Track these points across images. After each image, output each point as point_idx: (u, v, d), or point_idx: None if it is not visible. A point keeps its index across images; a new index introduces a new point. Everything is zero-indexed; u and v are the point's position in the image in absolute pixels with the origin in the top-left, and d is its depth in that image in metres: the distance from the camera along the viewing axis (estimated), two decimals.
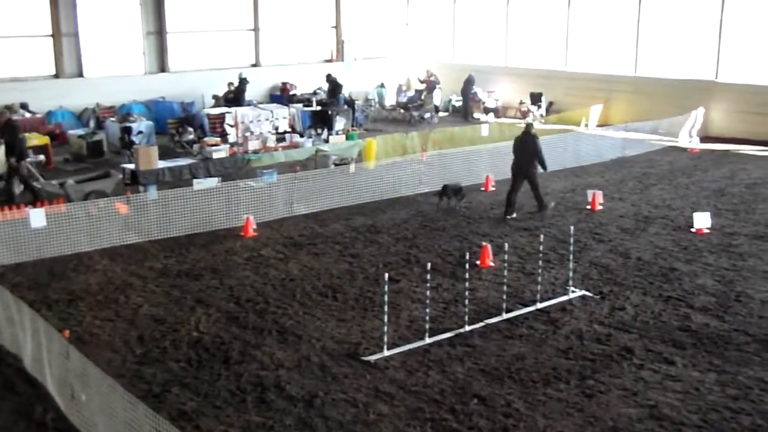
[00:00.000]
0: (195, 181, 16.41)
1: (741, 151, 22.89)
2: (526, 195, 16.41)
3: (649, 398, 8.56)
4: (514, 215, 16.02)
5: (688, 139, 23.95)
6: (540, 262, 11.65)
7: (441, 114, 29.98)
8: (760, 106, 23.64)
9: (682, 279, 12.32)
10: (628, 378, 9.05)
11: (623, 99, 27.32)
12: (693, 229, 14.87)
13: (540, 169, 16.36)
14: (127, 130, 21.92)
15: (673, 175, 19.79)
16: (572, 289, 11.74)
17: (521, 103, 29.52)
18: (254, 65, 29.77)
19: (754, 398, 8.54)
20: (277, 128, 23.19)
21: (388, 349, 9.66)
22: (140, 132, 22.23)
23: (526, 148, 16.33)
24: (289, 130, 23.39)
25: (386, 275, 9.89)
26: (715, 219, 15.27)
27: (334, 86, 26.84)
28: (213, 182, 16.40)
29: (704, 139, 23.75)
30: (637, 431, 7.88)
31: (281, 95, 28.88)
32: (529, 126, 16.82)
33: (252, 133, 22.22)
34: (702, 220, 14.99)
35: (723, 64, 25.18)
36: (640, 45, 27.18)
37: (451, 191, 16.74)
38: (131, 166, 17.42)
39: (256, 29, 29.77)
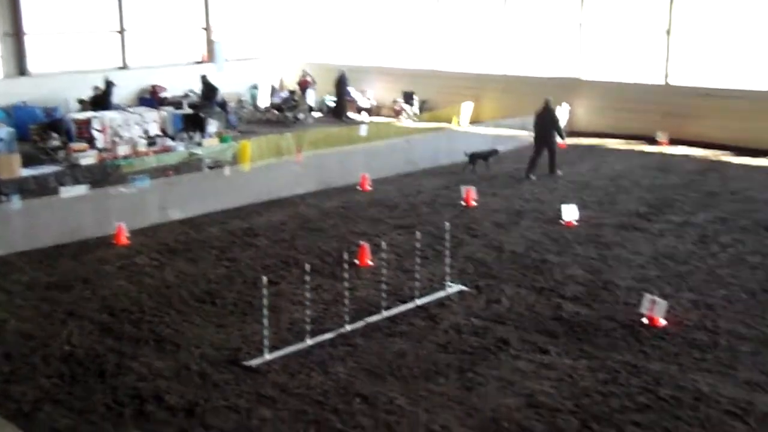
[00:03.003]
0: (62, 189, 15.81)
1: (604, 146, 23.91)
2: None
3: (525, 387, 8.83)
4: (533, 177, 19.14)
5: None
6: (417, 259, 11.82)
7: (315, 114, 29.97)
8: (621, 102, 24.77)
9: (553, 270, 12.77)
10: (505, 369, 9.31)
11: (493, 96, 28.06)
12: (562, 222, 15.44)
13: (558, 139, 19.52)
14: None
15: (542, 169, 20.45)
16: (449, 284, 11.97)
17: (394, 101, 29.87)
18: (121, 68, 28.94)
19: (623, 381, 8.95)
20: (147, 132, 22.61)
21: (269, 352, 9.58)
22: (0, 139, 21.22)
23: (545, 121, 19.47)
24: (161, 134, 22.86)
25: (265, 278, 9.82)
26: (582, 211, 15.89)
27: (209, 89, 26.40)
28: (81, 190, 15.84)
29: (570, 134, 24.66)
30: (515, 420, 8.12)
31: (151, 98, 28.18)
32: (547, 102, 19.55)
33: (121, 137, 21.59)
34: (570, 213, 15.59)
35: (586, 62, 26.27)
36: (508, 44, 27.99)
37: (478, 157, 19.70)
38: None
39: (122, 30, 28.94)
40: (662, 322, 10.49)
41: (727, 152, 22.43)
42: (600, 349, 9.82)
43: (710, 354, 9.65)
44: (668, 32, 24.32)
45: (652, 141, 23.85)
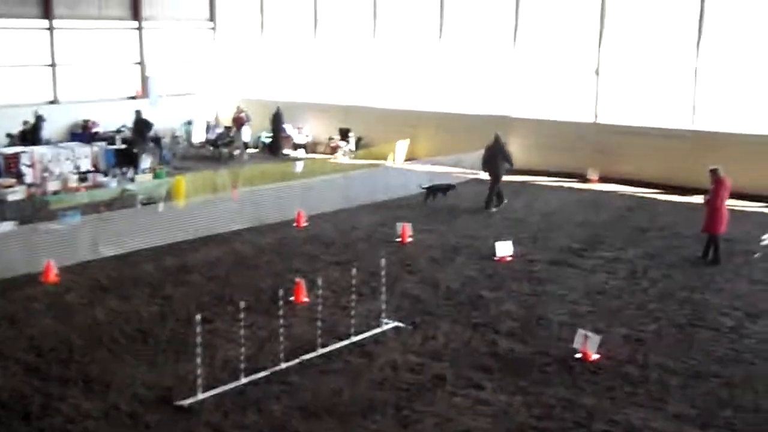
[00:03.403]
0: None
1: (537, 182, 24.32)
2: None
3: (461, 423, 8.84)
4: (494, 209, 20.26)
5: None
6: (353, 296, 11.80)
7: (251, 150, 29.86)
8: (552, 139, 25.29)
9: (488, 306, 12.88)
10: (441, 405, 9.31)
11: (427, 134, 28.37)
12: (496, 258, 15.60)
13: (507, 165, 20.64)
14: None
15: (476, 205, 20.69)
16: (385, 321, 11.96)
17: (330, 138, 29.96)
18: (52, 102, 28.47)
19: (557, 416, 9.03)
20: (78, 168, 22.18)
21: (202, 391, 9.41)
22: None
23: (495, 154, 20.63)
24: (92, 169, 22.44)
25: (199, 316, 9.67)
26: (516, 247, 16.09)
27: (143, 124, 26.08)
28: (8, 226, 15.44)
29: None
30: None
31: (83, 133, 27.72)
32: (497, 136, 20.78)
33: (51, 173, 21.13)
34: (504, 249, 15.77)
35: (517, 100, 26.80)
36: (442, 81, 28.40)
37: (435, 191, 20.93)
38: None
39: (53, 64, 28.50)
40: (595, 356, 10.64)
41: (655, 189, 23.03)
42: (535, 384, 9.90)
43: (641, 388, 9.81)
44: (597, 72, 25.00)
45: (583, 178, 24.37)
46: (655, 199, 22.03)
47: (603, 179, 24.22)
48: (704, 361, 10.63)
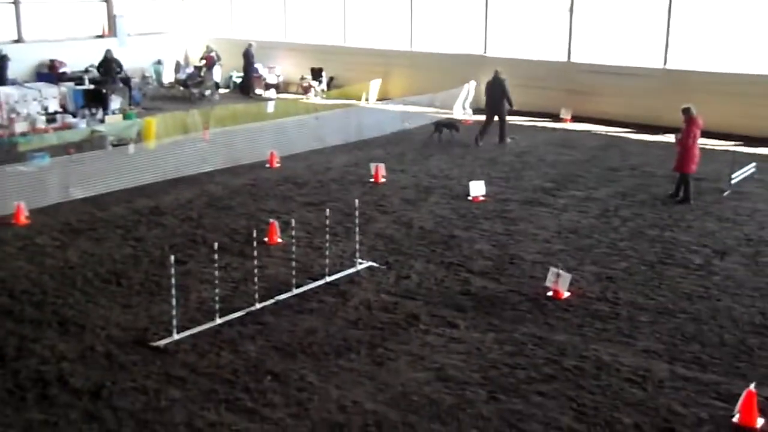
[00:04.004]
0: None
1: (510, 122, 24.30)
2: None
3: (435, 361, 8.97)
4: (481, 144, 20.58)
5: (461, 111, 25.12)
6: (327, 236, 11.83)
7: (222, 91, 29.52)
8: (525, 79, 25.16)
9: (461, 245, 12.97)
10: (415, 344, 9.43)
11: (401, 73, 28.18)
12: (469, 197, 15.66)
13: (508, 106, 20.82)
14: None
15: (449, 145, 20.68)
16: (359, 261, 12.02)
17: (302, 78, 29.68)
18: (17, 41, 27.83)
19: (528, 353, 9.19)
20: (46, 109, 21.85)
21: (177, 332, 9.45)
22: None
23: (495, 91, 20.79)
24: (61, 110, 22.12)
25: (172, 257, 9.66)
26: (489, 187, 16.15)
27: (113, 63, 25.60)
28: None
29: (477, 110, 24.98)
30: (425, 393, 8.24)
31: (50, 73, 27.20)
32: (497, 72, 20.88)
33: (18, 114, 20.79)
34: (477, 189, 15.83)
35: (490, 40, 26.61)
36: (415, 20, 28.10)
37: (443, 126, 21.31)
38: None
39: (16, 2, 27.80)
40: (566, 294, 10.80)
41: (627, 129, 23.13)
42: (507, 322, 10.04)
43: (611, 324, 9.99)
44: (571, 10, 24.84)
45: (556, 118, 24.40)
46: (627, 138, 22.14)
47: (576, 118, 24.26)
48: (673, 298, 10.83)
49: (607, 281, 11.45)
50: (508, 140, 21.02)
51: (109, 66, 25.42)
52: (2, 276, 11.41)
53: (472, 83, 25.08)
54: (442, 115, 23.86)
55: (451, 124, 21.62)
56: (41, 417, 7.71)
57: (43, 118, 20.78)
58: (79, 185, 15.56)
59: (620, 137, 22.24)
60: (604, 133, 22.80)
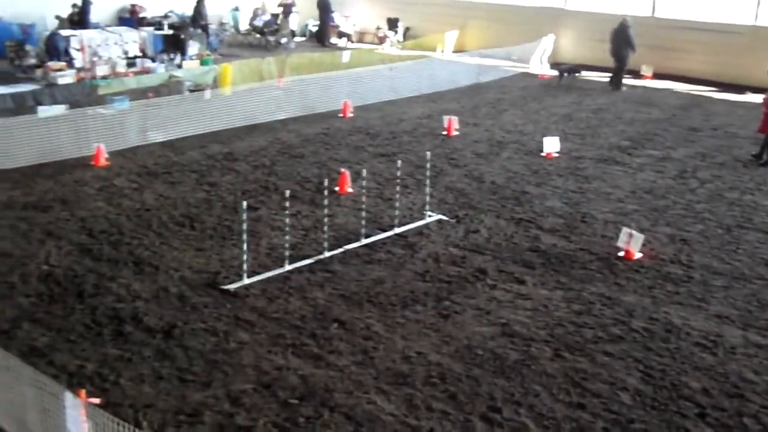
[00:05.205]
0: (40, 108, 15.56)
1: (588, 77, 23.79)
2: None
3: (501, 316, 8.95)
4: (624, 89, 22.12)
5: (539, 65, 24.68)
6: (397, 188, 11.82)
7: (298, 39, 29.54)
8: (605, 34, 24.55)
9: (532, 202, 12.83)
10: (481, 298, 9.41)
11: (478, 25, 27.75)
12: (543, 153, 15.44)
13: (631, 52, 21.85)
14: None
15: (524, 100, 20.38)
16: (429, 213, 12.00)
17: (378, 28, 29.48)
18: None
19: (596, 312, 9.09)
20: (127, 53, 22.22)
21: (247, 277, 9.62)
22: None
23: (619, 36, 21.79)
24: (140, 54, 22.48)
25: (244, 203, 9.80)
26: (563, 143, 15.89)
27: (201, 11, 25.96)
28: (60, 110, 15.60)
29: (554, 65, 24.50)
30: (489, 348, 8.24)
31: (130, 18, 27.60)
32: (624, 20, 21.85)
33: (100, 57, 21.20)
34: (551, 145, 15.59)
35: None
36: None
37: (565, 71, 23.03)
38: None
39: None
40: (638, 255, 10.61)
41: (711, 88, 22.41)
42: (576, 280, 9.94)
43: (684, 288, 9.80)
44: None
45: (636, 74, 23.77)
46: (710, 97, 21.47)
47: (657, 76, 23.60)
48: (749, 263, 10.54)
49: (681, 243, 11.20)
50: (623, 88, 21.92)
51: (198, 12, 25.79)
52: (82, 215, 11.76)
53: (551, 37, 24.56)
54: (517, 68, 23.48)
55: (573, 69, 23.08)
56: (116, 352, 7.98)
57: (124, 62, 21.15)
58: (157, 129, 15.85)
59: (703, 96, 21.56)
60: (686, 91, 22.14)
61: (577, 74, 23.18)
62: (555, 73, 23.54)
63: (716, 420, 7.09)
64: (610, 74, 22.52)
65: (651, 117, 18.90)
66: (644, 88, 22.62)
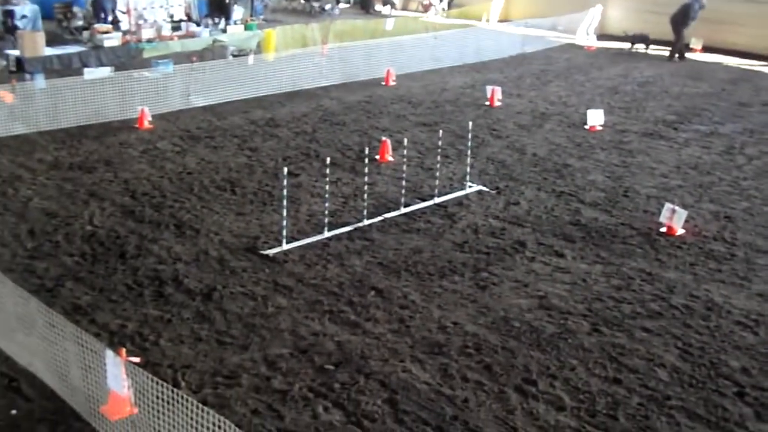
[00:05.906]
0: (86, 70, 15.71)
1: (635, 50, 23.38)
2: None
3: (539, 289, 8.91)
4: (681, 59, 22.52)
5: (585, 36, 24.31)
6: (438, 158, 11.77)
7: (342, 5, 29.40)
8: (654, 5, 24.10)
9: (574, 175, 12.70)
10: (519, 270, 9.37)
11: None
12: (586, 126, 15.26)
13: (692, 23, 22.27)
14: (10, 14, 20.64)
15: (569, 72, 20.12)
16: (469, 184, 11.95)
17: None
18: None
19: (636, 288, 9.00)
20: (172, 16, 22.29)
21: (286, 243, 9.69)
22: (24, 16, 20.95)
23: (681, 9, 22.22)
24: (185, 18, 22.53)
25: (285, 169, 9.83)
26: (607, 116, 15.68)
27: None
28: (105, 72, 15.74)
29: (601, 36, 24.12)
30: (526, 320, 8.22)
31: None
32: None
33: (146, 21, 21.30)
34: (595, 117, 15.39)
35: None
36: None
37: (638, 39, 23.57)
38: (16, 52, 16.52)
39: None
40: (681, 231, 10.47)
41: (762, 62, 21.90)
42: (616, 255, 9.84)
43: (726, 265, 9.65)
44: None
45: (685, 47, 23.29)
46: (762, 72, 20.99)
47: (707, 49, 23.11)
48: None
49: (725, 221, 11.03)
50: (676, 58, 22.35)
51: None
52: (126, 177, 11.91)
53: (599, 7, 24.15)
54: (562, 39, 23.15)
55: (644, 38, 23.45)
56: (156, 313, 8.10)
57: (169, 25, 21.22)
58: (200, 93, 15.94)
59: (754, 71, 21.09)
60: (736, 65, 21.67)
61: (648, 44, 23.55)
62: (625, 44, 23.88)
63: (755, 399, 7.00)
64: (669, 48, 22.75)
65: (699, 91, 18.55)
66: (693, 61, 22.18)
